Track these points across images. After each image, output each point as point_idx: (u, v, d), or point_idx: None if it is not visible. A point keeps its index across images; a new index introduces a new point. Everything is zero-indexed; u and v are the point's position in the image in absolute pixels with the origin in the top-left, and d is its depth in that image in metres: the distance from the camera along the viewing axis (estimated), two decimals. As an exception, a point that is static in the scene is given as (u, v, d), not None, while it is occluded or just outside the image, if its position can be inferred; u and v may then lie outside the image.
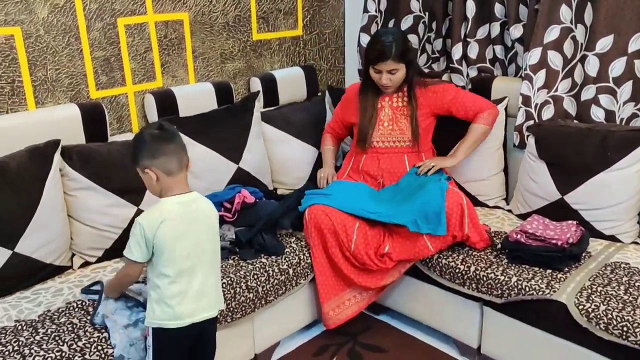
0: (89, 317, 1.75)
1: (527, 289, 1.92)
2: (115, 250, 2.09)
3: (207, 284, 1.64)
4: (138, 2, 2.40)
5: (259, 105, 2.69)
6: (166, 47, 2.55)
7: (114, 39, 2.37)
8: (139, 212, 2.12)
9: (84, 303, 1.84)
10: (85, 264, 2.11)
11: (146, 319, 1.62)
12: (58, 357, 1.58)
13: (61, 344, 1.62)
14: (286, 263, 2.16)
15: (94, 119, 2.25)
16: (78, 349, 1.62)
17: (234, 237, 2.18)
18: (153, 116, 2.48)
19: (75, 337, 1.66)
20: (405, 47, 2.28)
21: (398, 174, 2.39)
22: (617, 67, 2.25)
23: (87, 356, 1.61)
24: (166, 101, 2.50)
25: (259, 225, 2.20)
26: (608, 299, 1.79)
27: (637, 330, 1.67)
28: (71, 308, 1.81)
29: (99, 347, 1.64)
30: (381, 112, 2.41)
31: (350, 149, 2.61)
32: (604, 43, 2.25)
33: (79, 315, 1.76)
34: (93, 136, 2.24)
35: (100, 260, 2.12)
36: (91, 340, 1.65)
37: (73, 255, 2.11)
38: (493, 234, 2.26)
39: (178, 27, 2.57)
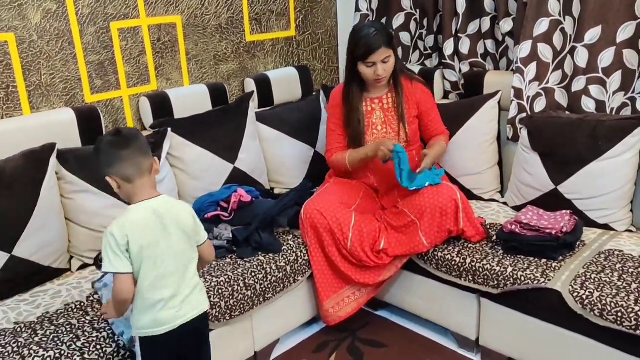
0: (87, 318, 1.77)
1: (523, 278, 1.93)
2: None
3: (187, 285, 1.59)
4: (131, 6, 2.43)
5: (253, 106, 2.71)
6: (160, 50, 2.57)
7: (108, 42, 2.39)
8: (135, 213, 2.14)
9: (82, 304, 1.85)
10: (84, 266, 2.12)
11: (133, 328, 1.58)
12: (57, 357, 1.59)
13: (60, 344, 1.64)
14: (284, 260, 2.18)
15: (89, 122, 2.27)
16: (77, 348, 1.63)
17: (231, 236, 2.20)
18: (148, 119, 2.50)
19: (74, 337, 1.67)
20: (389, 32, 2.27)
21: (392, 177, 2.39)
22: (606, 57, 2.26)
23: (86, 355, 1.62)
24: (161, 104, 2.52)
25: (255, 224, 2.22)
26: (602, 285, 1.80)
27: (631, 315, 1.68)
28: (70, 310, 1.82)
29: (98, 347, 1.66)
30: (372, 115, 2.38)
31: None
32: (593, 34, 2.27)
33: (77, 317, 1.78)
34: (89, 140, 2.25)
35: (98, 262, 2.13)
36: (90, 339, 1.67)
37: (71, 257, 2.12)
38: (488, 226, 2.27)
39: (171, 30, 2.59)
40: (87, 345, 1.65)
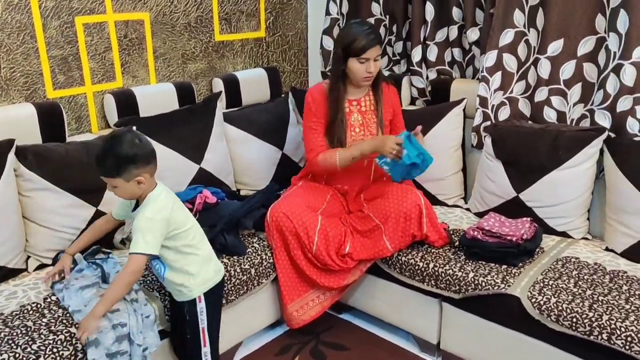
0: (44, 320, 1.72)
1: (484, 284, 1.97)
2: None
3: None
4: (97, 1, 2.38)
5: (221, 106, 2.69)
6: (126, 47, 2.53)
7: (72, 37, 2.33)
8: (97, 212, 2.10)
9: (39, 306, 1.80)
10: (41, 266, 2.06)
11: (196, 289, 1.77)
12: (11, 360, 1.54)
13: (15, 347, 1.59)
14: (248, 263, 2.16)
15: (51, 118, 2.21)
16: (32, 351, 1.59)
17: (195, 237, 2.17)
18: (113, 117, 2.45)
19: (30, 339, 1.62)
20: (379, 32, 2.30)
21: (362, 180, 2.40)
22: (567, 69, 2.33)
23: (41, 359, 1.58)
24: (126, 101, 2.47)
25: (220, 225, 2.19)
26: (559, 291, 1.85)
27: (585, 321, 1.74)
28: (25, 311, 1.76)
29: (54, 350, 1.61)
30: (350, 117, 2.36)
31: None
32: (555, 46, 2.34)
33: (33, 319, 1.72)
34: (50, 136, 2.20)
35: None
36: (46, 342, 1.62)
37: (28, 257, 2.06)
38: (452, 232, 2.31)
39: (138, 27, 2.55)
40: (42, 348, 1.60)
